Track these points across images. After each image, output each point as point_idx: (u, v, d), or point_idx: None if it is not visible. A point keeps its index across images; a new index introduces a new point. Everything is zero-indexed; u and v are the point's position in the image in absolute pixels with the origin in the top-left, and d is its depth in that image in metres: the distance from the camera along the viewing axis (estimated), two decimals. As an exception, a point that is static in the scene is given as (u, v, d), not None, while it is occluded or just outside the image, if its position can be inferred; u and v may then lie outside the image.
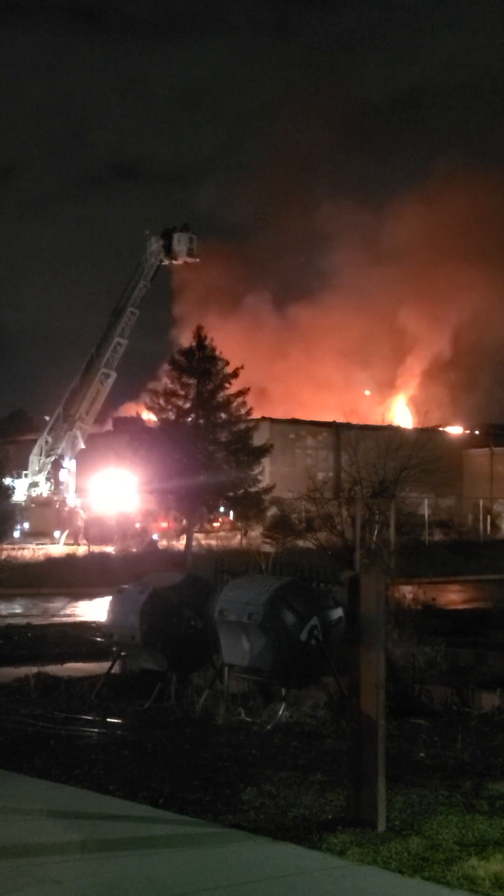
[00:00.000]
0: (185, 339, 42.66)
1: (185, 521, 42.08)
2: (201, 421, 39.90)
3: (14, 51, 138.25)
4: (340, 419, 63.78)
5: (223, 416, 40.21)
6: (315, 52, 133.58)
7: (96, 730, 10.78)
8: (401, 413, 75.31)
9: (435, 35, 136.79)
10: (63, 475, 56.21)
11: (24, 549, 44.07)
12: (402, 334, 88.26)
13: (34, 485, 56.12)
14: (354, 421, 62.94)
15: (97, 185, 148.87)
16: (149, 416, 42.44)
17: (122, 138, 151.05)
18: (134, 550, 42.32)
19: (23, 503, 54.45)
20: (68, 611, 27.38)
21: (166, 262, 60.65)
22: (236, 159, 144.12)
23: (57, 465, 56.08)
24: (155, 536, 46.95)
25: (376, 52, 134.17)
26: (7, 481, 55.23)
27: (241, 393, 40.31)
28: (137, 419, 44.66)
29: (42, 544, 46.41)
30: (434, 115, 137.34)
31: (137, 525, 50.11)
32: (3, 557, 40.82)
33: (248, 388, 41.03)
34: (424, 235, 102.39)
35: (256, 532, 43.22)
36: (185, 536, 41.64)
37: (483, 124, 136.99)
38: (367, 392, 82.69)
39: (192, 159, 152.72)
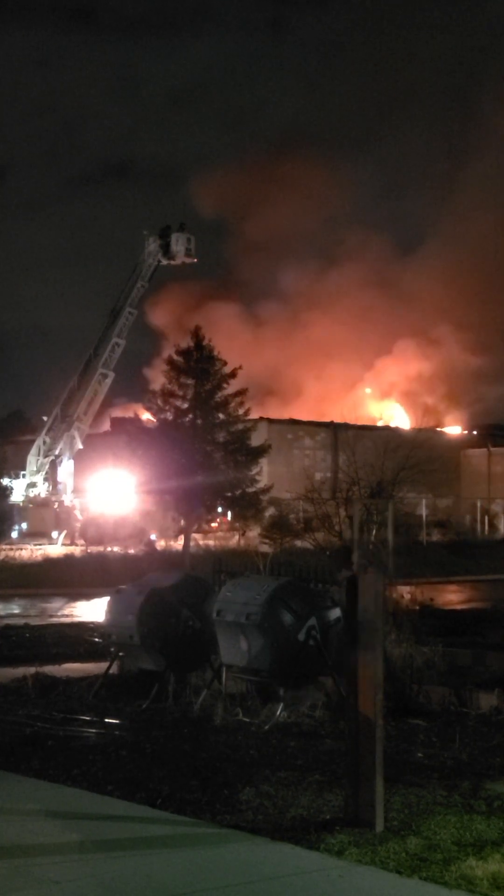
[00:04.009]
0: (183, 340, 42.66)
1: (182, 522, 42.10)
2: (199, 421, 39.92)
3: (6, 50, 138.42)
4: (338, 419, 63.83)
5: (221, 416, 40.25)
6: (309, 50, 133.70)
7: (94, 730, 10.77)
8: (398, 413, 75.38)
9: (430, 33, 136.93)
10: (61, 475, 56.23)
11: (22, 549, 44.07)
12: (403, 334, 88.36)
13: (32, 485, 56.12)
14: (352, 421, 63.02)
15: (92, 184, 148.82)
16: (147, 417, 42.48)
17: (117, 137, 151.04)
18: (132, 551, 42.32)
19: (21, 503, 54.46)
20: (66, 611, 27.37)
21: (164, 263, 60.66)
22: (232, 157, 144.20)
23: (55, 466, 56.08)
24: (153, 537, 46.96)
25: (370, 50, 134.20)
26: (5, 482, 55.27)
27: (240, 393, 40.35)
28: (135, 419, 44.66)
29: (40, 545, 46.41)
30: (430, 114, 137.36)
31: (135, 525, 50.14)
32: (1, 558, 40.83)
33: (247, 389, 41.10)
34: (424, 235, 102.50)
35: (254, 532, 43.24)
36: (182, 536, 41.66)
37: (476, 124, 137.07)
38: (368, 390, 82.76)
39: (186, 158, 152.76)
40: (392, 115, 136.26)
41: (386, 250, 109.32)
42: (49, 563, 39.56)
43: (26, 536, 50.56)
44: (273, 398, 78.20)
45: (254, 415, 44.91)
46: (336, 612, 11.39)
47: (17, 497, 55.05)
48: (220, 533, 48.34)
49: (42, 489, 55.94)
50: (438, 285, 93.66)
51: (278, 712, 11.04)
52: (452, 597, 30.86)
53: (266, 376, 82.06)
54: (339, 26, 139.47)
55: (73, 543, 47.73)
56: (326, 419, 64.97)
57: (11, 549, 43.65)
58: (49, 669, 14.12)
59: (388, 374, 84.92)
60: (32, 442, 58.58)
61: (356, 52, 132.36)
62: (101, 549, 43.53)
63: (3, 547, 44.48)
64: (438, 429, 65.48)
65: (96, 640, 17.13)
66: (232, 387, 40.41)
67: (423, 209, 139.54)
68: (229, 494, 39.95)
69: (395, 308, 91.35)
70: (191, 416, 40.05)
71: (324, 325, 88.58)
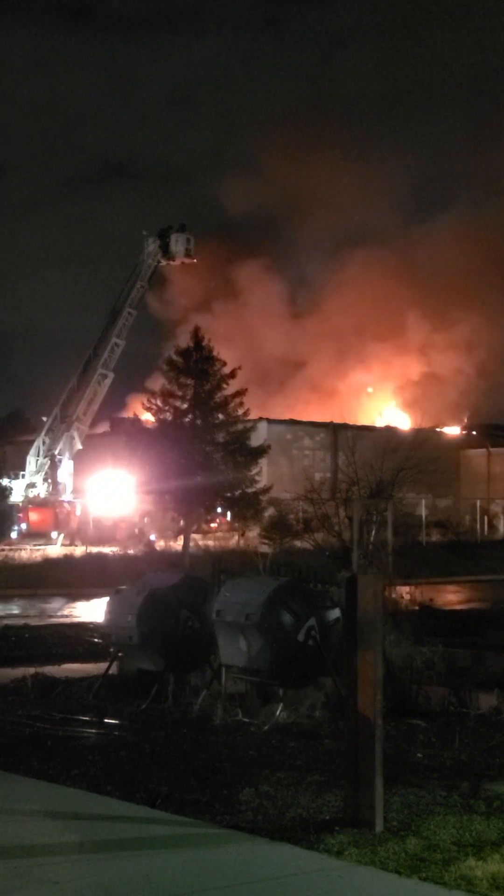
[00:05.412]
0: (182, 340, 42.71)
1: (182, 522, 42.10)
2: (199, 421, 39.92)
3: (5, 49, 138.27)
4: (338, 420, 63.83)
5: (220, 416, 40.24)
6: (307, 49, 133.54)
7: (94, 730, 10.78)
8: (398, 414, 75.37)
9: (428, 32, 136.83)
10: (61, 476, 56.24)
11: (21, 549, 44.05)
12: (403, 334, 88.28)
13: (31, 485, 56.11)
14: (352, 421, 63.02)
15: (90, 184, 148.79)
16: (146, 417, 42.48)
17: (115, 137, 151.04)
18: (131, 551, 42.32)
19: (20, 504, 54.45)
20: (66, 611, 27.36)
21: (164, 263, 60.70)
22: (230, 157, 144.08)
23: (54, 466, 56.08)
24: (152, 537, 46.97)
25: (369, 49, 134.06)
26: (4, 482, 55.29)
27: (239, 393, 40.35)
28: (135, 420, 44.66)
29: (39, 545, 46.41)
30: (427, 114, 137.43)
31: (135, 527, 50.15)
32: (0, 558, 40.82)
33: (246, 389, 41.08)
34: (422, 234, 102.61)
35: (254, 532, 43.24)
36: (182, 537, 41.66)
37: (475, 123, 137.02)
38: (370, 389, 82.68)
39: (185, 157, 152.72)
40: (398, 109, 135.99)
41: (396, 243, 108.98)
42: (48, 563, 39.54)
43: (26, 537, 50.56)
44: (274, 395, 78.18)
45: (253, 415, 44.90)
46: (335, 613, 11.40)
47: (16, 497, 55.05)
48: (219, 533, 48.33)
49: (42, 489, 55.94)
50: (453, 279, 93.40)
51: (278, 712, 11.05)
52: (452, 597, 30.82)
53: (268, 371, 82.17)
54: (339, 23, 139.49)
55: (72, 544, 47.76)
56: (328, 418, 64.96)
57: (11, 550, 43.64)
58: (48, 670, 14.13)
59: (391, 371, 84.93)
60: (32, 442, 58.58)
61: (357, 49, 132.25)
62: (100, 549, 43.53)
63: (3, 547, 44.47)
64: (438, 429, 65.45)
65: (96, 640, 17.13)
66: (231, 387, 40.45)
67: (431, 201, 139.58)
68: (229, 495, 39.94)
69: (403, 304, 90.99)
70: (190, 416, 40.05)
71: (327, 320, 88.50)
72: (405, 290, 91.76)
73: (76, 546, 45.69)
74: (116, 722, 11.22)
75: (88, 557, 40.90)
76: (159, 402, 40.57)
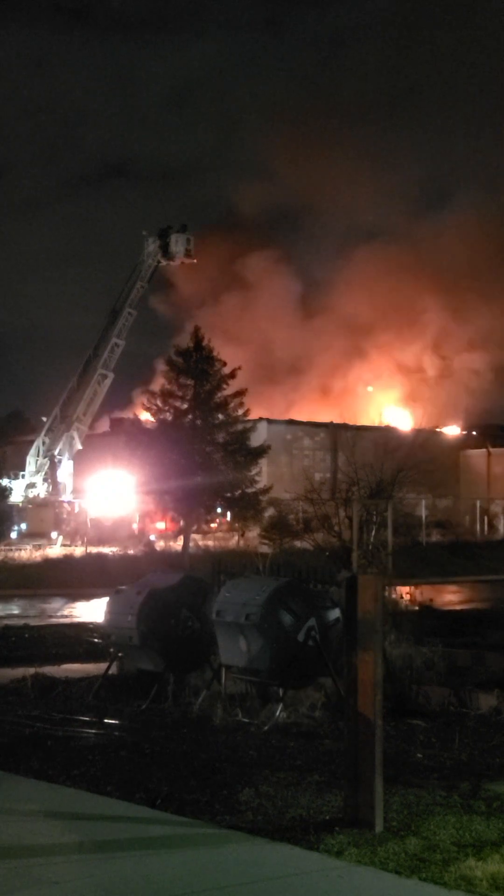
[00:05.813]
0: (184, 339, 42.74)
1: (182, 522, 42.12)
2: (199, 422, 39.96)
3: (4, 49, 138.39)
4: (338, 420, 63.85)
5: (220, 416, 40.27)
6: (307, 49, 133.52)
7: (94, 731, 10.77)
8: (398, 414, 75.36)
9: (428, 32, 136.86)
10: (60, 476, 56.25)
11: (21, 549, 44.06)
12: (408, 333, 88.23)
13: (31, 485, 56.12)
14: (352, 422, 63.05)
15: (90, 184, 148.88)
16: (146, 417, 42.50)
17: (114, 137, 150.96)
18: (131, 551, 42.33)
19: (20, 504, 54.44)
20: (66, 612, 27.37)
21: (164, 263, 60.74)
22: (230, 157, 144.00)
23: (54, 466, 56.11)
24: (152, 537, 46.98)
25: (369, 48, 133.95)
26: (4, 482, 55.28)
27: (239, 394, 40.38)
28: (135, 420, 44.67)
29: (39, 545, 46.43)
30: (430, 112, 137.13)
31: (135, 526, 50.16)
32: (0, 558, 40.82)
33: (246, 389, 41.11)
34: (424, 233, 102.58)
35: (254, 533, 43.27)
36: (182, 537, 41.68)
37: (477, 122, 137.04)
38: (370, 388, 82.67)
39: (184, 157, 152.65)
40: (400, 108, 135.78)
41: (400, 241, 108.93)
42: (48, 563, 39.56)
43: (25, 537, 50.55)
44: (279, 393, 78.20)
45: (253, 415, 44.92)
46: (335, 613, 11.39)
47: (16, 497, 55.04)
48: (219, 533, 48.36)
49: (41, 490, 55.94)
50: (462, 277, 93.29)
51: (278, 713, 11.04)
52: (452, 597, 30.82)
53: (272, 369, 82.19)
54: (339, 23, 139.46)
55: (72, 544, 47.78)
56: (332, 417, 65.00)
57: (11, 550, 43.65)
58: (48, 670, 14.12)
59: (394, 370, 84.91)
60: (32, 442, 58.62)
61: (357, 49, 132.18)
62: (100, 549, 43.55)
63: (3, 548, 44.47)
64: (437, 429, 65.45)
65: (96, 640, 17.14)
66: (232, 387, 40.48)
67: (435, 200, 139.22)
68: (229, 495, 39.98)
69: (407, 303, 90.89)
70: (190, 416, 40.08)
71: (331, 319, 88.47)
72: (409, 289, 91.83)
73: (76, 546, 45.71)
74: (116, 722, 11.21)
75: (88, 557, 40.91)
76: (159, 403, 40.62)
